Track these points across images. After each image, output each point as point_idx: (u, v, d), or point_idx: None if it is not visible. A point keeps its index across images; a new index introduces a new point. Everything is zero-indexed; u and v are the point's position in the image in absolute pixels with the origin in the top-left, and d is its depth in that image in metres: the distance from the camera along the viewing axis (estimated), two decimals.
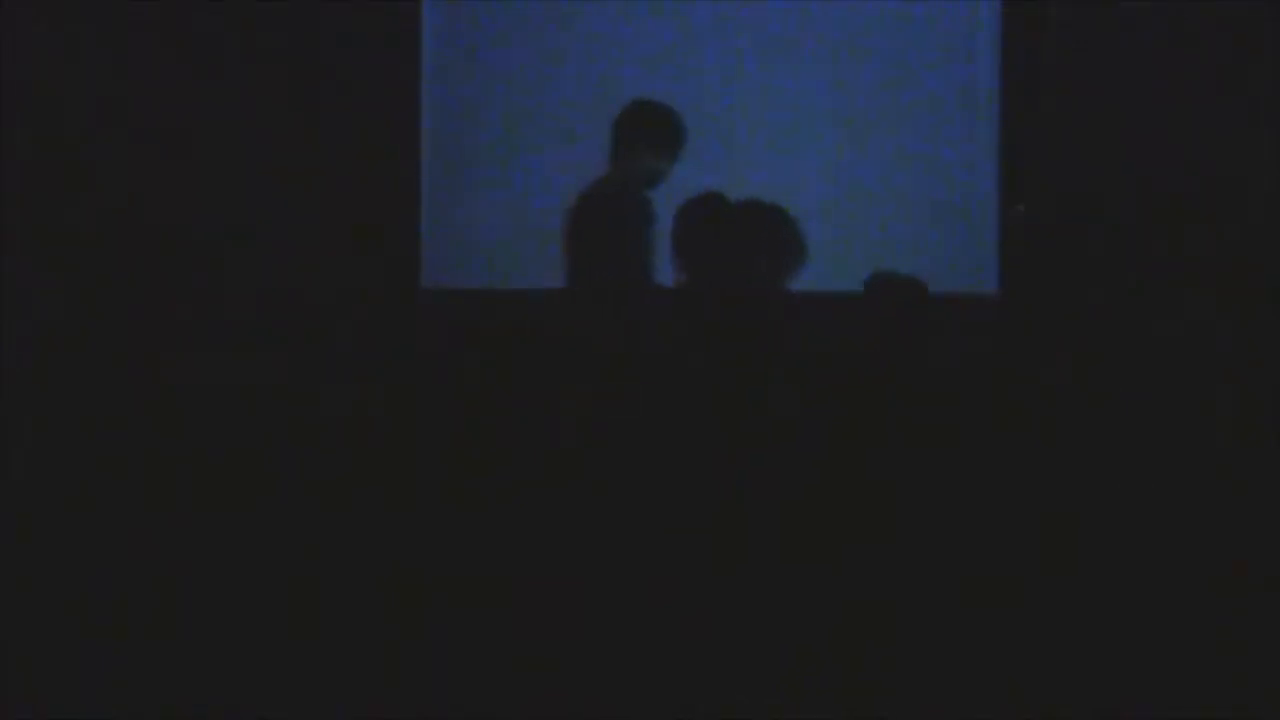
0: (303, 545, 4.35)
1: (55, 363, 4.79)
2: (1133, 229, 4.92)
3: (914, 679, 3.84)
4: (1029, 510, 3.98)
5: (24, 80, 4.91)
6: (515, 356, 3.78)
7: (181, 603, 4.17)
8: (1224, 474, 4.51)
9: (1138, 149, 4.95)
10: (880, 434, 4.11)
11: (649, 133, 4.52)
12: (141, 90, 4.94)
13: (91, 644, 4.03)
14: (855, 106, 5.08)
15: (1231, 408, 4.72)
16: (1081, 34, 4.95)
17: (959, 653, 3.87)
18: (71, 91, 4.93)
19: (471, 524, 4.04)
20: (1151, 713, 3.77)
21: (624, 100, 5.06)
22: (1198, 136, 4.94)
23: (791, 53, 5.07)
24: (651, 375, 3.64)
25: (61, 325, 4.85)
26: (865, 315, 4.12)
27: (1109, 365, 4.53)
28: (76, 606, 4.17)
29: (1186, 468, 4.51)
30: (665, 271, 4.22)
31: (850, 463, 4.07)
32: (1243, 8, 4.90)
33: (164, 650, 3.98)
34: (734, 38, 5.07)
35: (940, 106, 5.06)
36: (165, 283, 4.91)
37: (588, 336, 3.73)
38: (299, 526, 4.40)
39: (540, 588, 3.64)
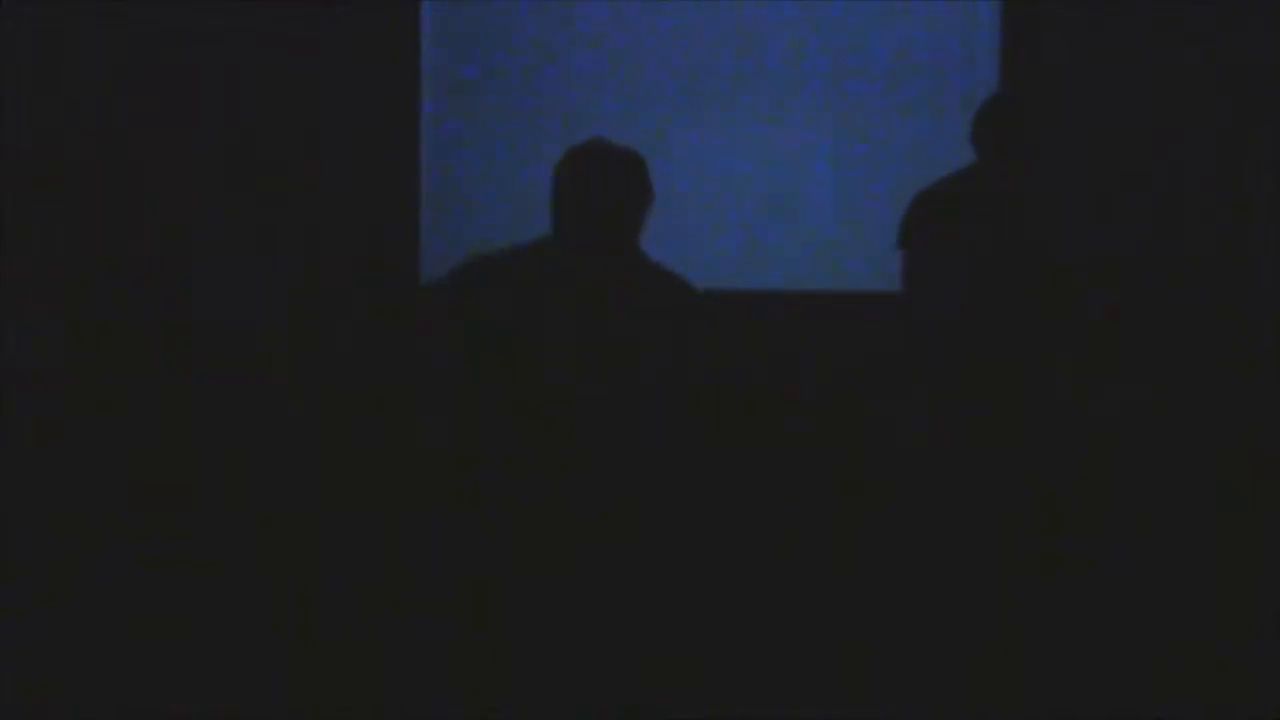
0: (303, 545, 4.35)
1: (54, 362, 4.79)
2: (1133, 229, 4.92)
3: (912, 679, 3.84)
4: (1029, 511, 3.98)
5: (24, 80, 4.91)
6: (515, 356, 3.77)
7: (181, 603, 4.17)
8: (1224, 474, 4.52)
9: (1137, 149, 4.95)
10: (880, 433, 4.11)
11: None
12: (140, 89, 4.94)
13: (91, 644, 4.02)
14: (855, 106, 5.08)
15: (1231, 408, 4.72)
16: (1081, 34, 4.95)
17: (958, 653, 3.87)
18: (71, 90, 4.93)
19: (471, 524, 4.04)
20: (1152, 713, 3.77)
21: (623, 100, 5.07)
22: (1198, 137, 4.94)
23: (792, 53, 5.07)
24: (652, 375, 3.64)
25: (60, 324, 4.85)
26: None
27: (1109, 365, 4.53)
28: (77, 606, 4.17)
29: (1186, 467, 4.51)
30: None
31: (850, 462, 4.07)
32: (1243, 8, 4.90)
33: (164, 650, 3.98)
34: (734, 38, 5.07)
35: (940, 106, 5.05)
36: (164, 282, 4.91)
37: (589, 335, 3.73)
38: (299, 526, 4.40)
39: (541, 588, 3.64)
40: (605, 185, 3.53)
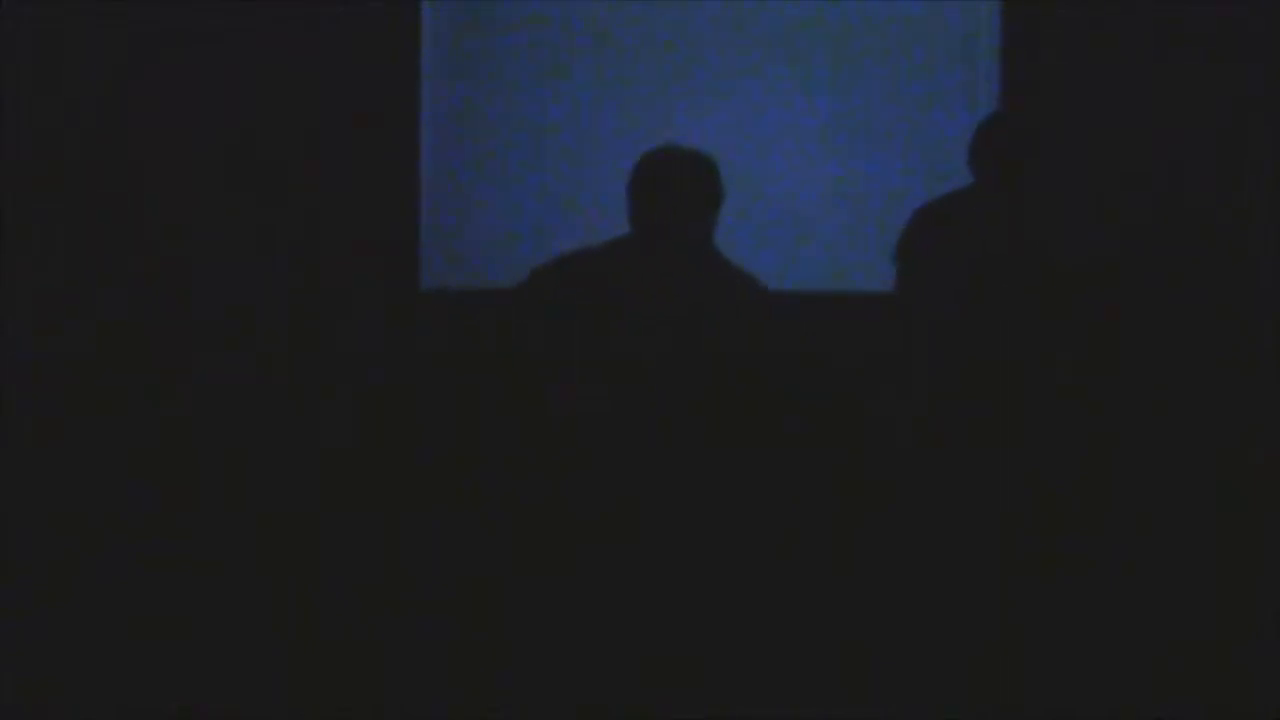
0: (303, 545, 4.35)
1: (54, 362, 4.79)
2: (1133, 229, 4.92)
3: (913, 679, 3.84)
4: (1029, 511, 3.98)
5: (24, 80, 4.91)
6: (515, 356, 3.78)
7: (181, 603, 4.17)
8: (1224, 474, 4.51)
9: (1137, 149, 4.95)
10: (881, 433, 4.11)
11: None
12: (140, 89, 4.94)
13: (91, 644, 4.03)
14: (855, 106, 5.08)
15: (1231, 408, 4.72)
16: (1081, 34, 4.95)
17: (958, 653, 3.87)
18: (71, 90, 4.93)
19: (471, 524, 4.04)
20: (1152, 713, 3.77)
21: (623, 101, 5.07)
22: (1198, 137, 4.94)
23: (792, 53, 5.07)
24: (649, 375, 3.64)
25: (60, 324, 4.85)
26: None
27: (1109, 365, 4.53)
28: (77, 606, 4.17)
29: (1186, 467, 4.51)
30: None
31: (850, 462, 4.07)
32: (1243, 8, 4.90)
33: (164, 650, 3.98)
34: (734, 38, 5.07)
35: (940, 107, 5.05)
36: (164, 283, 4.91)
37: (588, 334, 3.74)
38: (299, 526, 4.41)
39: (540, 588, 3.64)
40: (676, 188, 3.70)
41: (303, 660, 3.94)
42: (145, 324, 4.86)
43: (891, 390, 4.13)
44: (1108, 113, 4.95)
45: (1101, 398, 4.18)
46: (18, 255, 4.85)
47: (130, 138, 4.92)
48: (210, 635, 4.02)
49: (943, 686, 3.80)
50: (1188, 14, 4.91)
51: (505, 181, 5.09)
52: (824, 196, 5.07)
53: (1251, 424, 4.66)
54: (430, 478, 4.41)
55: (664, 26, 5.08)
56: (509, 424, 3.62)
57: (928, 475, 3.98)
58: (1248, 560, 4.26)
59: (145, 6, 4.92)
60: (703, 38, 5.08)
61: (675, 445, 3.61)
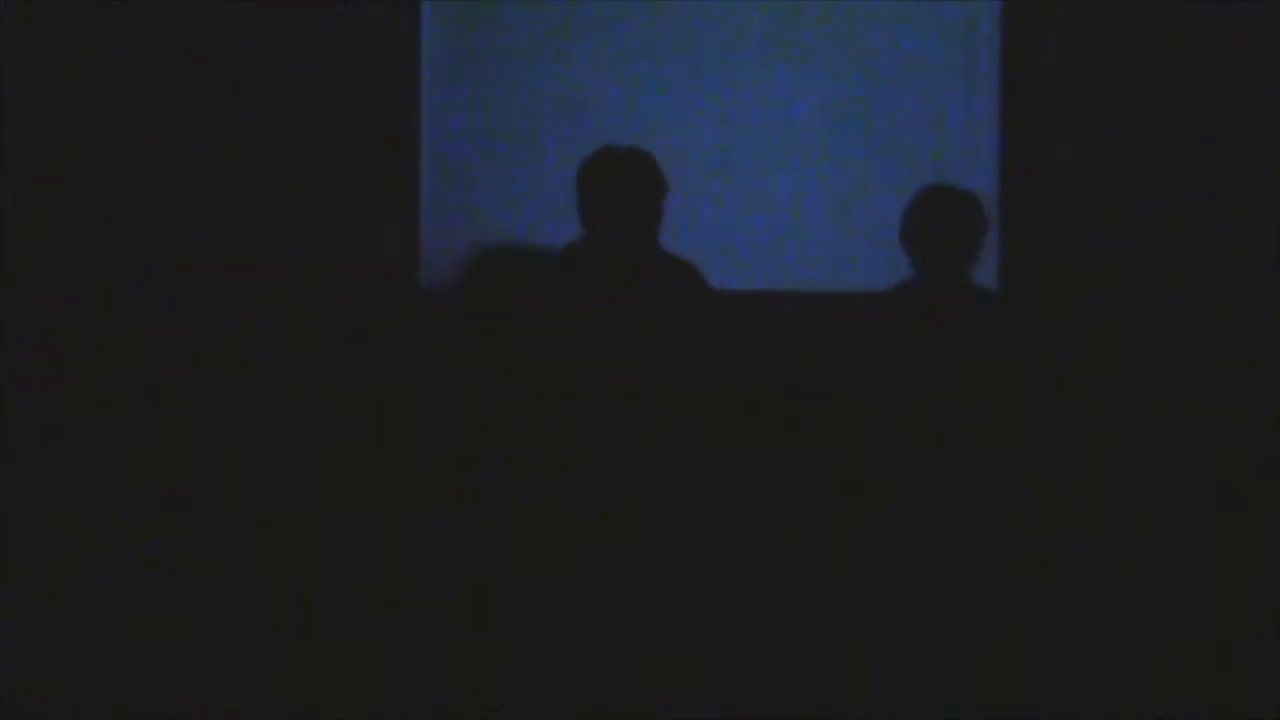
0: (303, 545, 4.35)
1: (54, 362, 4.79)
2: (1133, 229, 4.92)
3: (913, 679, 3.84)
4: (1026, 511, 3.98)
5: (24, 80, 4.91)
6: (516, 356, 3.78)
7: (181, 603, 4.17)
8: (1224, 474, 4.51)
9: (1137, 149, 4.95)
10: (881, 434, 4.11)
11: None
12: (140, 89, 4.94)
13: (91, 644, 4.02)
14: (854, 104, 5.07)
15: (1231, 408, 4.72)
16: (1081, 34, 4.95)
17: (958, 653, 3.87)
18: (71, 90, 4.93)
19: (471, 524, 4.04)
20: (1152, 713, 3.77)
21: (623, 101, 5.07)
22: (1198, 137, 4.94)
23: (791, 52, 5.07)
24: (651, 375, 3.64)
25: (61, 325, 4.85)
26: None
27: (1109, 365, 4.53)
28: (77, 606, 4.17)
29: (1186, 467, 4.51)
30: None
31: (850, 462, 4.07)
32: (1242, 8, 4.90)
33: (164, 650, 3.98)
34: (734, 37, 5.07)
35: (940, 106, 5.05)
36: (164, 284, 4.91)
37: (589, 336, 3.73)
38: (299, 526, 4.40)
39: (540, 588, 3.64)
40: (624, 186, 3.83)
41: (303, 660, 3.94)
42: (145, 324, 4.86)
43: (891, 390, 4.13)
44: (1108, 113, 4.95)
45: (1101, 398, 4.18)
46: (18, 255, 4.85)
47: (130, 138, 4.92)
48: (210, 635, 4.02)
49: (943, 686, 3.80)
50: (1188, 14, 4.91)
51: (505, 182, 5.09)
52: (822, 195, 5.07)
53: (1251, 424, 4.66)
54: (430, 478, 4.41)
55: (665, 25, 5.08)
56: (509, 424, 3.62)
57: (928, 475, 3.98)
58: (1248, 560, 4.26)
59: (145, 6, 4.92)
60: (702, 39, 5.07)
61: (675, 445, 3.61)
